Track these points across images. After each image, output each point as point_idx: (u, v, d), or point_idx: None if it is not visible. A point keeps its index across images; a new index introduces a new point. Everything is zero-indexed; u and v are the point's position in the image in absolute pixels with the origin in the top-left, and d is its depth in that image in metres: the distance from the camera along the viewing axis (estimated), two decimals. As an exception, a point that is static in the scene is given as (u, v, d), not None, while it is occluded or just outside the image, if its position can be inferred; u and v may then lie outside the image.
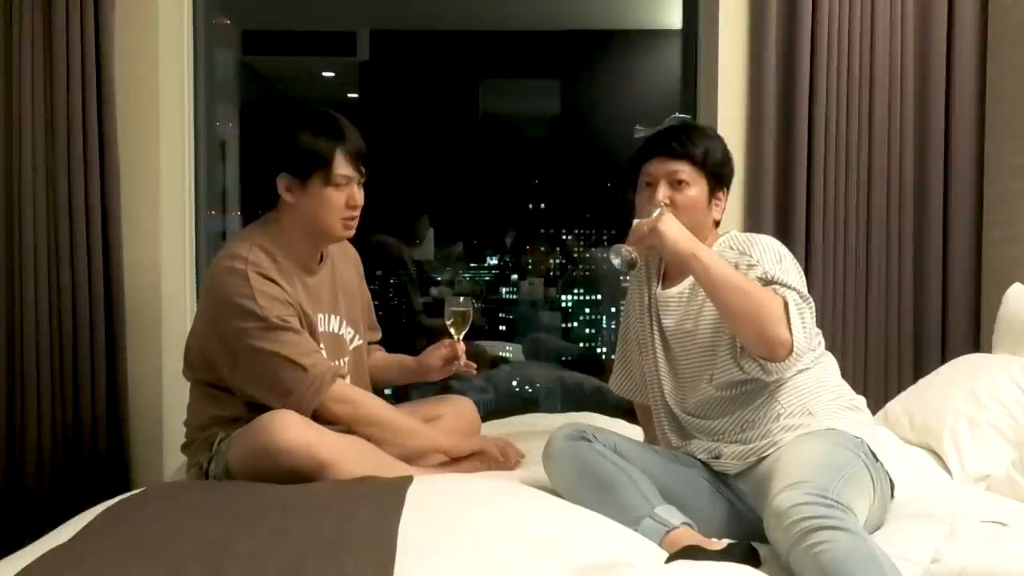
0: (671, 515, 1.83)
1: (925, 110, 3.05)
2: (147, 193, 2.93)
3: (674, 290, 2.11)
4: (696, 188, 2.10)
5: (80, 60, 2.79)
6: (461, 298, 2.33)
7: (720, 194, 2.16)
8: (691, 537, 1.78)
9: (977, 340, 3.07)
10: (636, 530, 1.80)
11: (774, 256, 2.00)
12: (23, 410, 2.81)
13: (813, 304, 1.92)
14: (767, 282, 1.92)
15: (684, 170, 2.09)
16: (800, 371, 1.98)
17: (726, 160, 2.17)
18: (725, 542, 1.83)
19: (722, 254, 2.01)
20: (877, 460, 1.90)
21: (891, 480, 1.96)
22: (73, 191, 2.81)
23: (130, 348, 2.89)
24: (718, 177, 2.14)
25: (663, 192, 2.07)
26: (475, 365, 2.37)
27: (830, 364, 2.09)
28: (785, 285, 1.91)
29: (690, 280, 2.05)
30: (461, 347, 2.35)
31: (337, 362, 2.22)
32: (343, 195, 2.13)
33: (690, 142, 2.10)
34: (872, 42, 2.99)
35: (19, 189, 2.79)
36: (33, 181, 2.80)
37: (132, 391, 2.90)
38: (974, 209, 3.08)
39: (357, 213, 2.17)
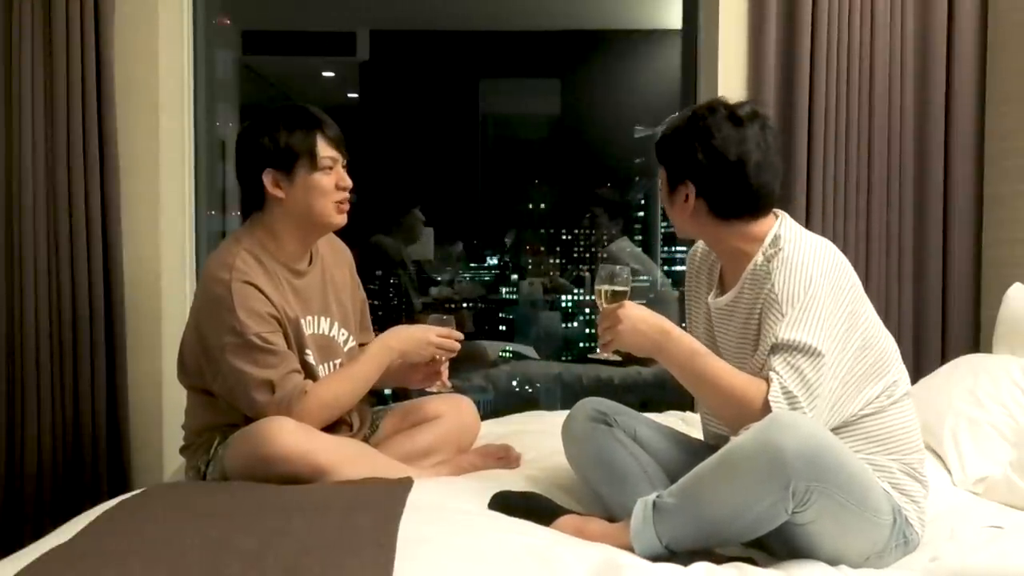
0: None
1: (925, 110, 3.05)
2: (147, 192, 2.93)
3: (723, 299, 1.91)
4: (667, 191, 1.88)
5: (80, 60, 2.79)
6: (444, 316, 2.25)
7: (682, 187, 1.82)
8: None
9: (977, 340, 3.07)
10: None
11: (799, 299, 1.72)
12: (23, 409, 2.81)
13: (825, 362, 1.68)
14: (776, 346, 1.71)
15: (661, 171, 1.88)
16: (865, 416, 1.80)
17: (675, 140, 1.82)
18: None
19: (756, 286, 1.80)
20: (909, 523, 1.77)
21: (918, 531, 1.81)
22: (73, 190, 2.81)
23: (130, 347, 2.89)
24: (668, 165, 1.85)
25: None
26: (451, 386, 2.31)
27: (892, 420, 1.82)
28: (796, 350, 1.68)
29: (736, 290, 1.86)
30: (445, 365, 2.28)
31: (328, 364, 2.20)
32: (332, 178, 2.13)
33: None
34: (872, 43, 2.99)
35: (19, 189, 2.79)
36: (33, 181, 2.80)
37: (132, 390, 2.90)
38: (974, 209, 3.08)
39: (347, 195, 2.17)
